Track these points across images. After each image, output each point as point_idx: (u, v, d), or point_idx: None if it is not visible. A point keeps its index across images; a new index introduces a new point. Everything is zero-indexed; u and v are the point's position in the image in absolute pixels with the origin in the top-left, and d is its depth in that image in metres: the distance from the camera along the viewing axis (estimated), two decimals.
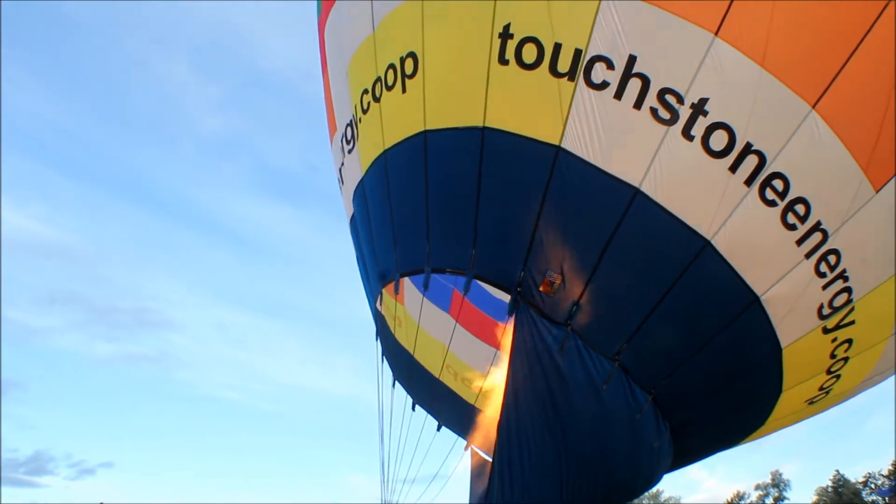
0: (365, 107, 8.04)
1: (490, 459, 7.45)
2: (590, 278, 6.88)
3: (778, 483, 53.16)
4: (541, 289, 6.95)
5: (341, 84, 8.66)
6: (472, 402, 9.66)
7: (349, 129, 8.59)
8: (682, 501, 58.26)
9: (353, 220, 9.26)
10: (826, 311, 7.09)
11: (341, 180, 9.28)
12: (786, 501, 52.85)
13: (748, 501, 53.84)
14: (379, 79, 7.72)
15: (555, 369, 6.99)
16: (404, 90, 7.46)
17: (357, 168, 8.52)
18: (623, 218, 6.67)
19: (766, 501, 52.96)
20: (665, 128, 6.48)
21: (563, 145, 6.69)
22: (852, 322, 7.27)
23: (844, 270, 6.93)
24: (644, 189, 6.59)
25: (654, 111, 6.47)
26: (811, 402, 8.15)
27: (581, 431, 7.25)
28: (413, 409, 9.83)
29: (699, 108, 6.42)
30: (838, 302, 7.07)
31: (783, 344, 7.21)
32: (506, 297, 7.30)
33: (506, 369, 7.11)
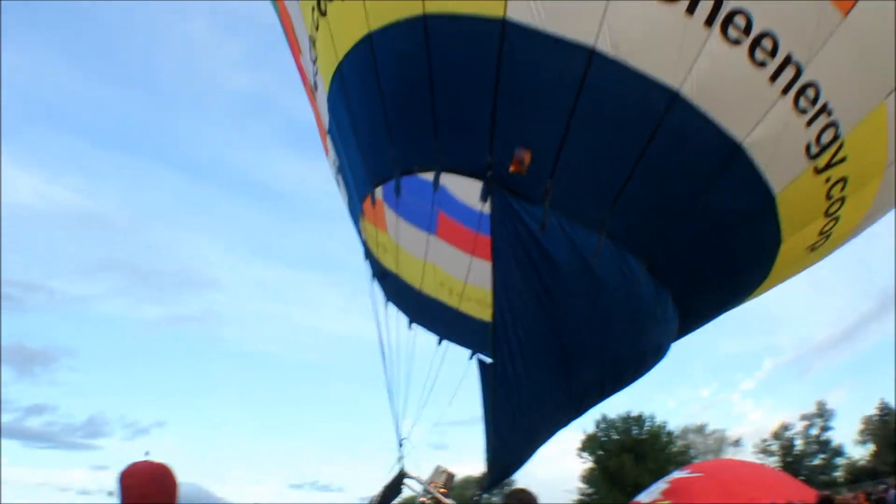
0: (316, 24, 7.75)
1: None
2: (560, 149, 6.57)
3: (823, 413, 53.16)
4: (511, 169, 6.64)
5: (295, 7, 8.34)
6: (473, 314, 9.44)
7: (312, 51, 8.29)
8: (727, 434, 58.31)
9: (333, 142, 8.97)
10: (814, 149, 6.75)
11: (315, 86, 8.89)
12: (831, 431, 52.78)
13: (794, 432, 53.82)
14: None
15: (539, 250, 6.72)
16: None
17: (323, 89, 8.25)
18: (583, 80, 6.33)
19: (812, 432, 52.91)
20: None
21: (508, 17, 6.31)
22: (843, 159, 6.93)
23: (826, 104, 6.57)
24: (599, 48, 6.23)
25: None
26: (813, 248, 7.88)
27: (577, 310, 7.01)
28: (410, 327, 9.68)
29: None
30: (826, 138, 6.73)
31: (775, 191, 6.90)
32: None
33: (490, 260, 6.86)
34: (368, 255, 9.27)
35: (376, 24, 6.96)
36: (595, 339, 7.20)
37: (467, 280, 8.42)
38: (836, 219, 7.52)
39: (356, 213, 8.82)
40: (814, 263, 8.72)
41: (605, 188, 6.73)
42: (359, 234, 9.18)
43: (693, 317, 8.10)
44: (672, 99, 6.34)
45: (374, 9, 6.93)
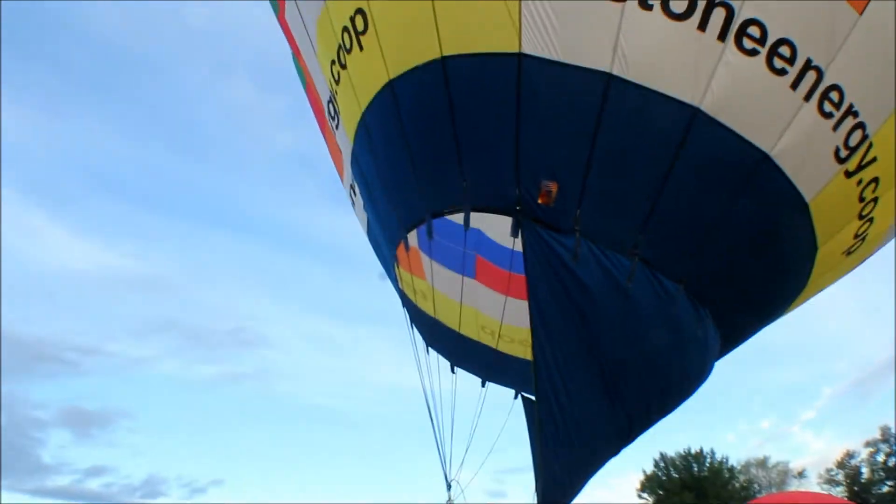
0: (336, 77, 7.84)
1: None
2: (585, 176, 6.54)
3: (888, 438, 51.63)
4: (540, 201, 6.64)
5: (314, 64, 8.49)
6: (514, 354, 9.36)
7: (330, 105, 8.39)
8: (790, 465, 57.00)
9: (352, 191, 9.04)
10: (843, 152, 6.68)
11: (337, 139, 9.01)
12: None
13: (859, 459, 52.44)
14: (340, 45, 7.52)
15: (573, 279, 6.67)
16: (361, 48, 7.25)
17: (346, 140, 8.31)
18: (603, 105, 6.34)
19: (878, 458, 51.50)
20: (620, 5, 6.15)
21: (523, 50, 6.37)
22: (874, 159, 6.85)
23: (852, 105, 6.52)
24: (615, 72, 6.25)
25: None
26: (849, 252, 7.75)
27: (616, 336, 6.93)
28: (453, 371, 9.61)
29: None
30: (854, 140, 6.66)
31: (807, 198, 6.81)
32: None
33: (527, 294, 6.83)
34: (406, 302, 9.26)
35: (396, 71, 7.04)
36: (636, 364, 7.11)
37: (504, 320, 8.40)
38: (871, 220, 7.41)
39: (389, 261, 8.82)
40: (852, 268, 8.56)
41: (635, 212, 6.68)
42: (393, 283, 9.19)
43: (735, 333, 7.98)
44: (693, 115, 6.31)
45: (393, 57, 7.03)
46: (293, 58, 9.51)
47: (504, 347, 8.89)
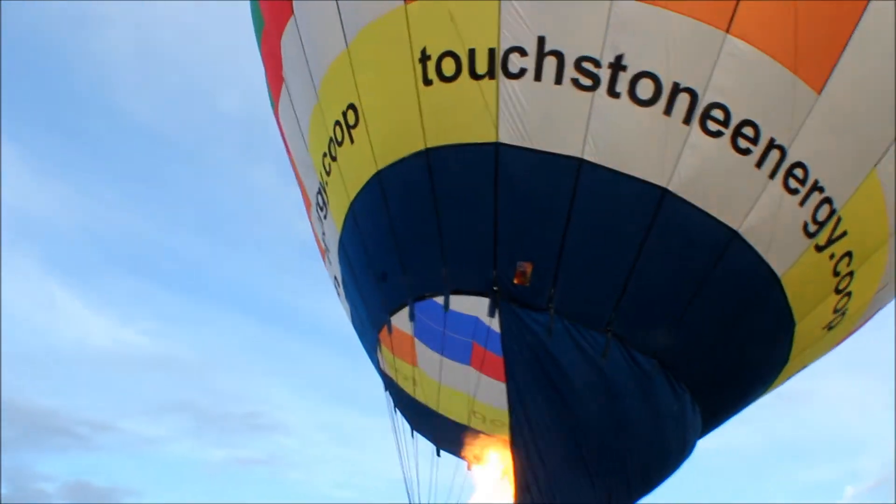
0: (327, 169, 8.22)
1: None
2: (559, 257, 6.80)
3: None
4: (515, 282, 6.89)
5: (304, 157, 8.87)
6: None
7: (319, 196, 8.75)
8: None
9: (343, 284, 9.30)
10: (812, 227, 6.88)
11: (326, 248, 9.36)
12: None
13: None
14: (331, 139, 7.92)
15: (548, 356, 6.86)
16: (352, 141, 7.64)
17: (334, 229, 8.63)
18: (575, 188, 6.64)
19: None
20: (590, 94, 6.51)
21: (500, 140, 6.74)
22: (844, 233, 7.03)
23: (817, 181, 6.75)
24: (587, 157, 6.58)
25: (575, 81, 6.52)
26: (830, 327, 7.85)
27: (592, 413, 7.06)
28: (438, 454, 9.70)
29: (617, 66, 6.45)
30: (822, 215, 6.87)
31: (779, 273, 6.99)
32: None
33: (504, 373, 7.00)
34: (388, 385, 9.40)
35: (384, 162, 7.43)
36: (614, 440, 7.20)
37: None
38: (849, 294, 7.54)
39: (372, 345, 9.01)
40: (837, 344, 8.67)
41: (608, 290, 6.88)
42: (376, 366, 9.35)
43: (717, 409, 8.04)
44: (661, 196, 6.58)
45: (382, 149, 7.43)
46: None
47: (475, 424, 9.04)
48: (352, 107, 7.55)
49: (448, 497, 8.91)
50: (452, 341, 8.35)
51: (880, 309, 8.65)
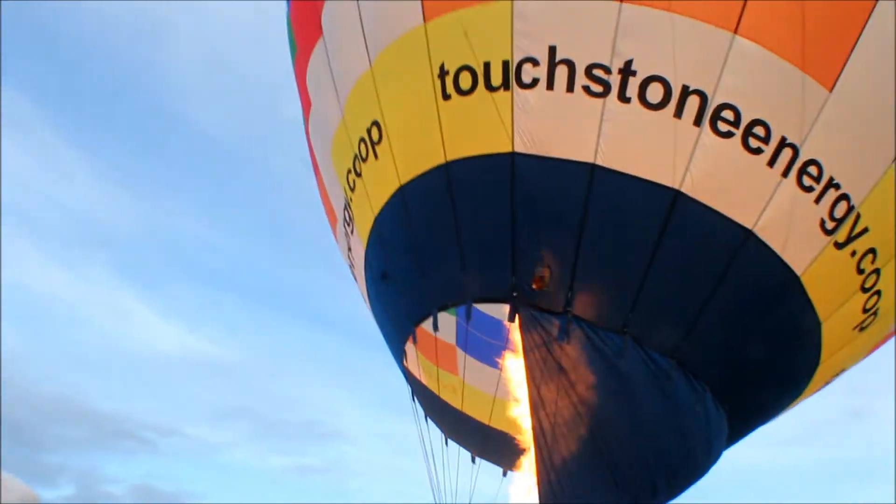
0: (352, 185, 8.48)
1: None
2: (575, 261, 6.92)
3: None
4: (534, 287, 7.01)
5: (330, 174, 9.15)
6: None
7: (346, 212, 9.01)
8: None
9: (369, 298, 9.52)
10: (829, 224, 6.86)
11: (352, 265, 9.60)
12: None
13: None
14: (356, 155, 8.19)
15: (567, 358, 6.95)
16: (376, 157, 7.89)
17: (359, 244, 8.87)
18: (589, 193, 6.77)
19: None
20: (601, 100, 6.65)
21: (515, 150, 6.93)
22: (865, 230, 6.99)
23: (832, 178, 6.75)
24: (599, 162, 6.71)
25: (586, 88, 6.68)
26: (862, 328, 7.73)
27: (612, 414, 7.11)
28: (473, 461, 9.79)
29: (627, 71, 6.58)
30: (839, 212, 6.84)
31: (798, 271, 6.97)
32: None
33: (525, 376, 7.10)
34: (422, 393, 9.54)
35: (406, 177, 7.66)
36: (636, 442, 7.22)
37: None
38: (878, 293, 7.46)
39: (399, 355, 9.19)
40: (876, 346, 8.57)
41: (624, 292, 6.96)
42: (405, 376, 9.49)
43: (744, 412, 7.97)
44: (674, 197, 6.67)
45: (404, 164, 7.67)
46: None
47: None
48: (376, 123, 7.81)
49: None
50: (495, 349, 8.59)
51: None
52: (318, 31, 8.38)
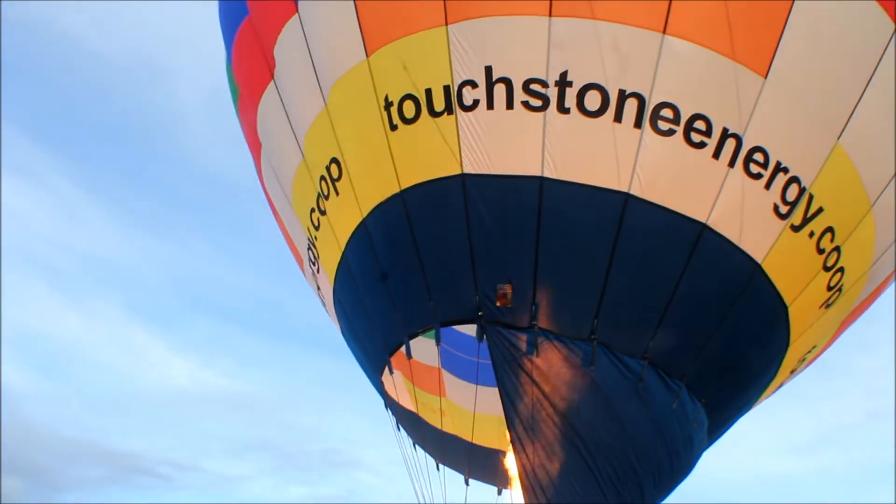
0: (316, 224, 8.56)
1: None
2: (535, 274, 6.99)
3: None
4: (497, 304, 7.07)
5: (290, 215, 9.23)
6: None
7: (310, 251, 9.08)
8: None
9: (343, 333, 9.57)
10: (783, 208, 6.91)
11: (323, 303, 9.67)
12: None
13: None
14: (319, 194, 8.27)
15: (538, 371, 6.99)
16: (338, 193, 7.99)
17: (327, 281, 8.94)
18: (540, 207, 6.86)
19: None
20: (541, 114, 6.74)
21: (465, 171, 7.02)
22: (820, 209, 7.04)
23: (780, 163, 6.80)
24: (547, 174, 6.80)
25: (525, 104, 6.78)
26: (828, 305, 7.78)
27: (589, 421, 7.09)
28: (467, 483, 9.85)
29: (563, 83, 6.69)
30: (791, 195, 6.90)
31: (758, 258, 7.02)
32: None
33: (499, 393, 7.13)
34: (404, 420, 9.57)
35: (367, 209, 7.75)
36: (617, 445, 7.19)
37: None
38: (841, 270, 7.50)
39: (378, 387, 9.23)
40: (846, 322, 8.64)
41: (587, 299, 7.01)
42: (386, 405, 9.51)
43: (722, 402, 7.97)
44: (625, 201, 6.74)
45: (364, 197, 7.76)
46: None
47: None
48: (335, 160, 7.90)
49: None
50: (481, 366, 8.64)
51: (886, 281, 8.55)
52: (267, 74, 8.48)
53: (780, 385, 8.79)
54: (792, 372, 8.66)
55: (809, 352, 8.56)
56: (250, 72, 8.85)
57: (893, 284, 8.95)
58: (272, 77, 8.45)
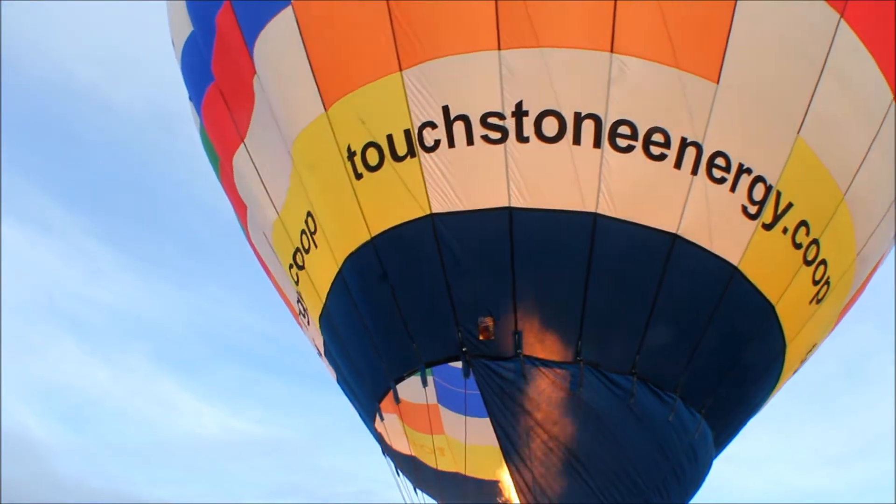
0: (296, 279, 8.70)
1: None
2: (514, 304, 7.03)
3: None
4: (480, 338, 7.11)
5: (279, 271, 9.36)
6: None
7: (299, 304, 9.18)
8: None
9: (338, 383, 9.63)
10: (752, 209, 6.94)
11: (318, 353, 9.73)
12: None
13: None
14: (297, 248, 8.40)
15: (528, 399, 6.99)
16: (316, 245, 8.10)
17: (318, 334, 9.03)
18: (511, 237, 6.92)
19: None
20: (502, 146, 6.83)
21: (433, 211, 7.09)
22: (790, 205, 7.06)
23: (742, 164, 6.85)
24: (514, 204, 6.87)
25: (485, 138, 6.87)
26: (819, 300, 7.75)
27: (585, 444, 7.07)
28: None
29: (519, 112, 6.78)
30: (758, 195, 6.93)
31: (734, 261, 7.03)
32: None
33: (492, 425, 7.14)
34: (405, 464, 9.59)
35: (341, 259, 7.82)
36: (617, 464, 7.17)
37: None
38: (824, 262, 7.49)
39: (370, 426, 9.27)
40: (842, 313, 8.62)
41: (568, 322, 7.03)
42: (384, 452, 9.52)
43: (723, 412, 7.93)
44: (594, 221, 6.79)
45: (337, 248, 7.84)
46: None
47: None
48: (309, 214, 8.02)
49: None
50: (472, 398, 8.65)
51: (875, 267, 8.53)
52: (237, 136, 8.64)
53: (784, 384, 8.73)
54: (794, 371, 8.62)
55: (811, 350, 8.53)
56: (224, 137, 9.00)
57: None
58: (241, 140, 8.61)
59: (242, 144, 8.64)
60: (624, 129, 6.70)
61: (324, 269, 8.06)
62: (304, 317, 9.18)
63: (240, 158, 8.78)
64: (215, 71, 8.66)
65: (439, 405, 8.95)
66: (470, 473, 9.68)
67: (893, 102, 7.25)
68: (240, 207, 9.61)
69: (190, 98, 9.57)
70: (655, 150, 6.73)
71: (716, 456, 8.16)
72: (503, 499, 9.16)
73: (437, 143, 6.99)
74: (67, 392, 39.95)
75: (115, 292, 41.31)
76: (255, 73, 7.96)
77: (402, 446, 9.37)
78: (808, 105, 6.92)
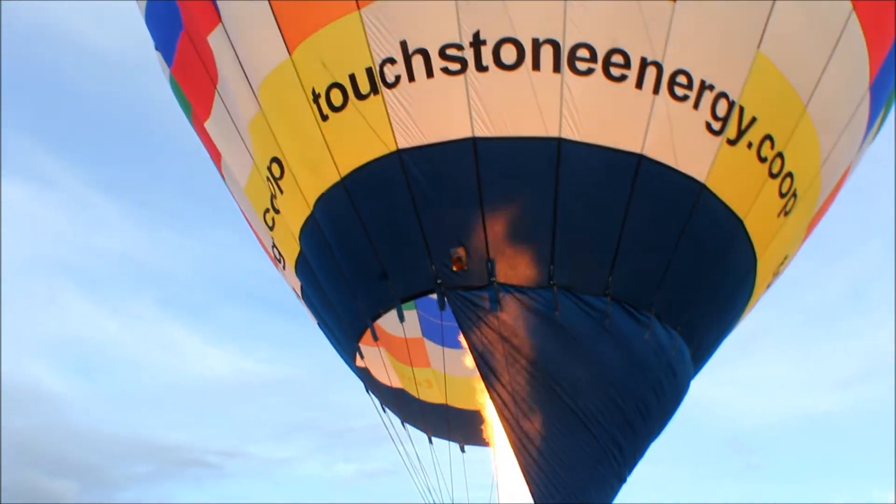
0: (271, 224, 8.74)
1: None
2: (484, 232, 7.09)
3: None
4: (454, 269, 7.16)
5: (253, 218, 9.44)
6: None
7: (275, 250, 9.23)
8: None
9: (318, 326, 9.71)
10: (715, 125, 6.96)
11: (298, 296, 9.78)
12: None
13: None
14: (272, 194, 8.40)
15: (505, 326, 7.06)
16: (282, 191, 8.17)
17: (294, 280, 9.09)
18: (477, 165, 6.97)
19: None
20: (462, 76, 6.87)
21: (399, 147, 7.13)
22: (753, 119, 7.08)
23: (704, 81, 6.85)
24: (478, 134, 6.91)
25: (445, 70, 6.92)
26: (786, 212, 7.80)
27: (563, 367, 7.17)
28: (462, 450, 10.01)
29: (477, 42, 6.82)
30: (721, 111, 6.94)
31: (701, 178, 7.08)
32: None
33: (472, 359, 7.24)
34: (394, 397, 9.71)
35: (312, 201, 7.88)
36: (594, 385, 7.26)
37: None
38: (790, 175, 7.52)
39: (351, 365, 9.37)
40: (812, 224, 8.68)
41: (539, 247, 7.10)
42: (366, 388, 9.62)
43: (699, 328, 8.03)
44: (558, 145, 6.82)
45: (308, 190, 7.89)
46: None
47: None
48: (275, 160, 8.05)
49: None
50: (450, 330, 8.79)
51: (842, 177, 8.58)
52: (210, 85, 8.60)
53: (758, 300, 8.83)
54: (768, 285, 8.71)
55: (782, 263, 8.61)
56: (196, 85, 8.95)
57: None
58: (215, 87, 8.58)
59: (216, 90, 8.61)
60: (583, 53, 6.69)
61: (295, 212, 8.10)
62: (281, 262, 9.21)
63: (216, 107, 8.76)
64: (185, 19, 8.60)
65: (424, 338, 9.04)
66: (453, 404, 9.78)
67: (853, 11, 7.22)
68: (215, 155, 9.58)
69: (156, 48, 9.48)
70: (616, 72, 6.72)
71: (694, 374, 8.27)
72: (486, 427, 9.28)
73: (398, 78, 6.98)
74: (77, 343, 40.29)
75: (120, 241, 41.34)
76: (219, 21, 7.91)
77: (389, 379, 9.48)
78: (767, 19, 6.89)
